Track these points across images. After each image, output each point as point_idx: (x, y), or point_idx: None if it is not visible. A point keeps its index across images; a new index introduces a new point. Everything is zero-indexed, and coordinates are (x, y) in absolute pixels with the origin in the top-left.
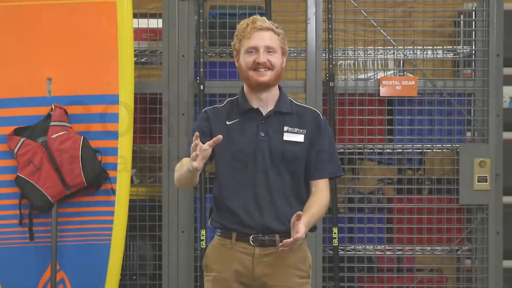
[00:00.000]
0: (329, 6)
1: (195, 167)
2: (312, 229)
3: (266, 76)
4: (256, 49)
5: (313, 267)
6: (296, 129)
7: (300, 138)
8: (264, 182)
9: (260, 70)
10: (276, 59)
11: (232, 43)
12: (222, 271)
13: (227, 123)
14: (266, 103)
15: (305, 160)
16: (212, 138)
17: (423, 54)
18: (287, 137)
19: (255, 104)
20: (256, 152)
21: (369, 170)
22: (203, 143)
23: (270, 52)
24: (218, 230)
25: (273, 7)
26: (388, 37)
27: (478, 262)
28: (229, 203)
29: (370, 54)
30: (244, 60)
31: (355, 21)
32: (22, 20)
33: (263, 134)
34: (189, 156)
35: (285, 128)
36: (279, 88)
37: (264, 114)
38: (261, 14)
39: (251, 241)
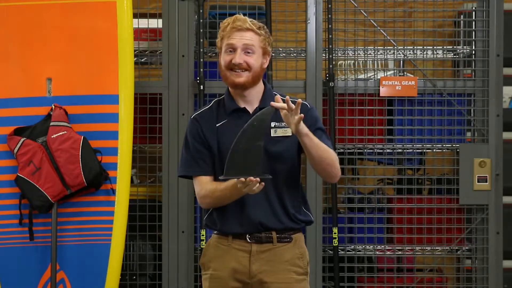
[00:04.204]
0: (329, 6)
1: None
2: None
3: (242, 77)
4: (234, 49)
5: (313, 267)
6: (283, 123)
7: (288, 131)
8: None
9: (236, 70)
10: (254, 60)
11: (216, 41)
12: (219, 269)
13: (217, 125)
14: (251, 101)
15: (297, 153)
16: (207, 143)
17: (423, 54)
18: (274, 133)
19: (241, 103)
20: None
21: (369, 170)
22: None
23: (248, 52)
24: (215, 229)
25: (273, 7)
26: (388, 37)
27: (478, 262)
28: (223, 206)
29: (370, 54)
30: (223, 59)
31: (355, 21)
32: (22, 20)
33: None
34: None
35: (272, 124)
36: (264, 83)
37: (251, 113)
38: (261, 14)
39: (247, 238)
